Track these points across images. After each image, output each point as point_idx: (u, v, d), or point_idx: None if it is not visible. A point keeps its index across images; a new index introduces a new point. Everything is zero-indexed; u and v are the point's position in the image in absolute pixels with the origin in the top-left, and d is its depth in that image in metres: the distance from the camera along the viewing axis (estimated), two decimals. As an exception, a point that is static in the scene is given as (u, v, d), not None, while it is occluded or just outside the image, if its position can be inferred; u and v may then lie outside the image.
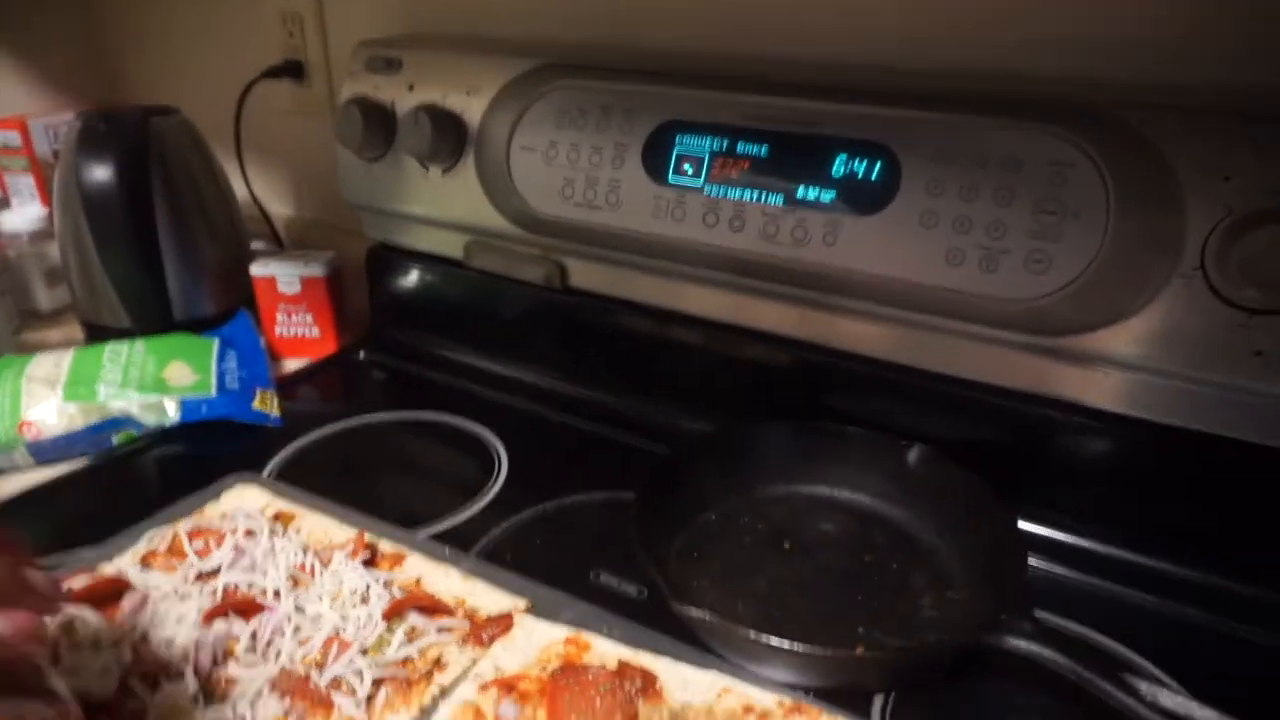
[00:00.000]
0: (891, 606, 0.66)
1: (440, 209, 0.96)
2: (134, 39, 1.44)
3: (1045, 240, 0.64)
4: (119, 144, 1.01)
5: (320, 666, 0.57)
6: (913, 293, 0.70)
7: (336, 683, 0.56)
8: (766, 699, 0.56)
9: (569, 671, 0.57)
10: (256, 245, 1.20)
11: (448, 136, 0.91)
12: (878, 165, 0.71)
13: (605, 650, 0.60)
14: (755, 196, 0.76)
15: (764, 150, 0.76)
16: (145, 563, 0.67)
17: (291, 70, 1.23)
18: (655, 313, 0.89)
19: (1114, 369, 0.67)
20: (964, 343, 0.72)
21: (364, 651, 0.58)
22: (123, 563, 0.67)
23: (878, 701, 0.59)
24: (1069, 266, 0.63)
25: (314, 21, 1.18)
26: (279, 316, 1.10)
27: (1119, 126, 0.63)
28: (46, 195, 1.28)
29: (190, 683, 0.55)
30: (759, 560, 0.71)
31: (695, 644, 0.60)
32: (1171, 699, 0.51)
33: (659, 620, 0.62)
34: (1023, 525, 0.71)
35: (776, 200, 0.75)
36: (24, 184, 1.29)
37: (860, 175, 0.72)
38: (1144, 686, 0.52)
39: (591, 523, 0.77)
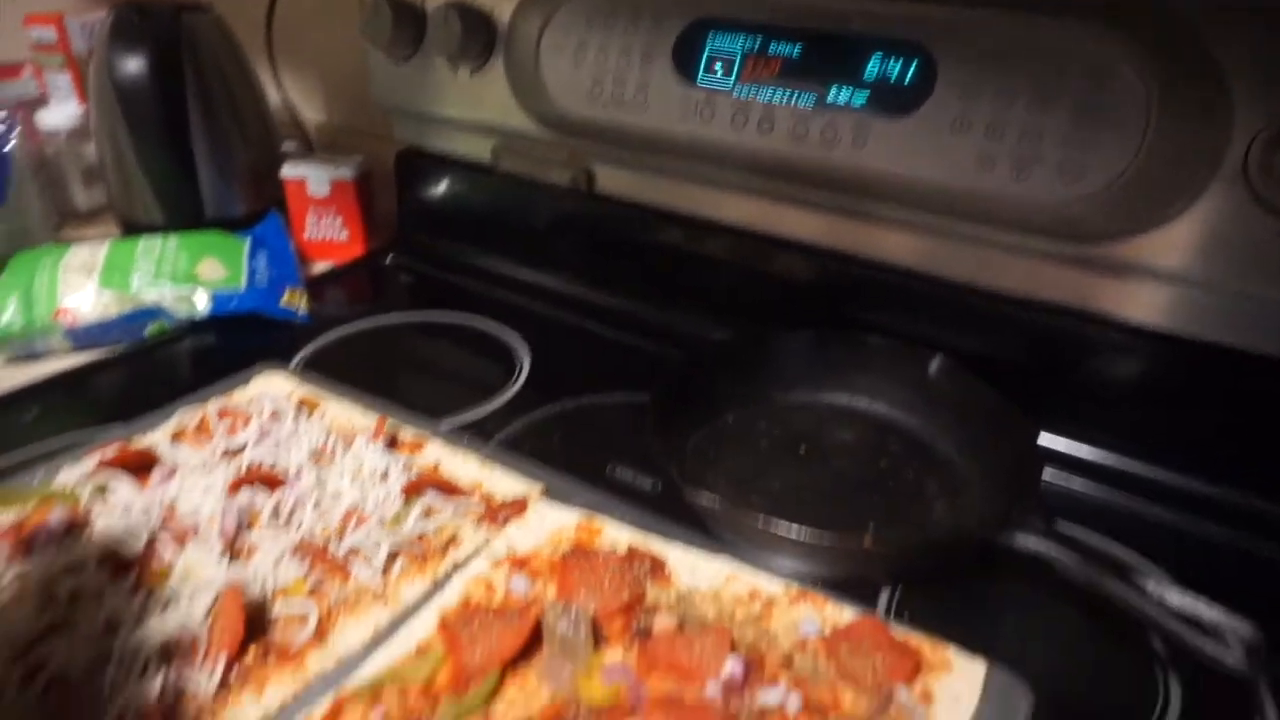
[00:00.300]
0: (904, 510, 0.66)
1: (469, 110, 0.96)
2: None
3: (1081, 144, 0.62)
4: (152, 37, 1.02)
5: (339, 537, 0.59)
6: (942, 197, 0.69)
7: (354, 552, 0.57)
8: (773, 586, 0.57)
9: (580, 552, 0.59)
10: (287, 147, 1.20)
11: (477, 35, 0.90)
12: (912, 66, 0.69)
13: (616, 535, 0.61)
14: (785, 98, 0.74)
15: (796, 50, 0.74)
16: (175, 439, 0.69)
17: (323, -30, 1.21)
18: (681, 219, 0.88)
19: (1148, 280, 0.66)
20: (993, 252, 0.71)
21: (381, 525, 0.59)
22: (153, 438, 0.69)
23: (884, 596, 0.59)
24: (1105, 170, 0.62)
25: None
26: (308, 220, 1.10)
27: (1166, 24, 0.60)
28: (84, 93, 1.28)
29: (215, 544, 0.56)
30: (773, 462, 0.71)
31: (706, 534, 0.61)
32: (1179, 597, 0.51)
33: (671, 512, 0.63)
34: (1045, 439, 0.71)
35: (807, 102, 0.73)
36: (62, 81, 1.30)
37: (894, 77, 0.70)
38: (1151, 584, 0.52)
39: (609, 422, 0.78)
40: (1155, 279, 0.65)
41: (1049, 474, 0.69)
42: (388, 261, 1.10)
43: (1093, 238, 0.65)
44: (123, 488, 0.62)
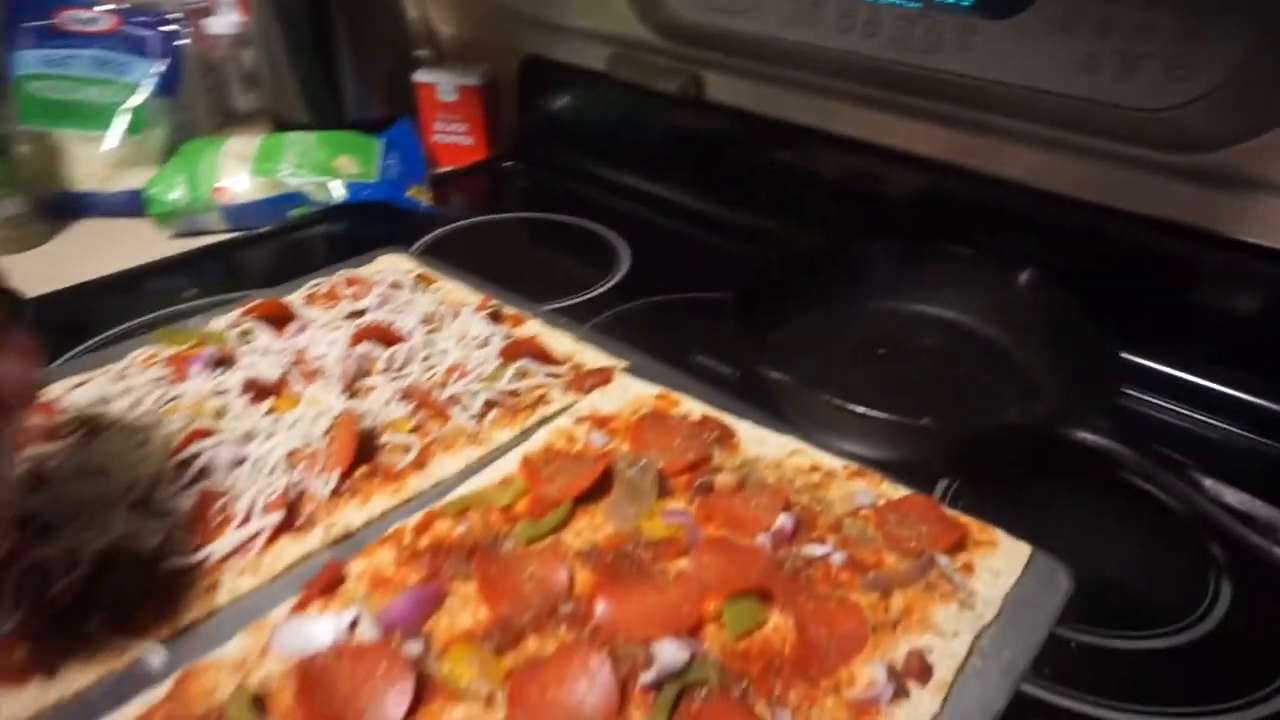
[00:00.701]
0: (975, 410, 0.67)
1: (588, 18, 1.00)
2: None
3: (1190, 42, 0.60)
4: (305, -51, 1.10)
5: (442, 387, 0.65)
6: (1045, 104, 0.69)
7: (454, 400, 0.64)
8: (833, 462, 0.60)
9: (655, 417, 0.64)
10: (421, 54, 1.28)
11: (601, -58, 0.93)
12: (1024, -34, 0.68)
13: (691, 407, 0.65)
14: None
15: (909, -48, 0.74)
16: (308, 301, 0.78)
17: (463, -114, 1.26)
18: (784, 127, 0.90)
19: (1256, 194, 0.64)
20: (1097, 163, 0.70)
21: (480, 381, 0.66)
22: (290, 298, 0.77)
23: (941, 485, 0.62)
24: (1214, 70, 0.60)
25: None
26: (436, 125, 1.18)
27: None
28: (246, 6, 1.39)
29: (336, 384, 0.64)
30: (851, 361, 0.73)
31: (776, 416, 0.65)
32: (1235, 496, 0.51)
33: (746, 397, 0.66)
34: (1129, 357, 0.70)
35: (914, 4, 0.73)
36: (226, -7, 1.41)
37: (1007, -23, 0.69)
38: (1209, 483, 0.52)
39: (698, 317, 0.82)
40: (1262, 190, 0.63)
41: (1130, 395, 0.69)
42: (506, 165, 1.16)
43: (1202, 144, 0.63)
44: (263, 335, 0.71)
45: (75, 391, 0.65)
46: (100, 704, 0.44)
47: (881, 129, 0.82)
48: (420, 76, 1.15)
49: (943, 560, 0.52)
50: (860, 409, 0.59)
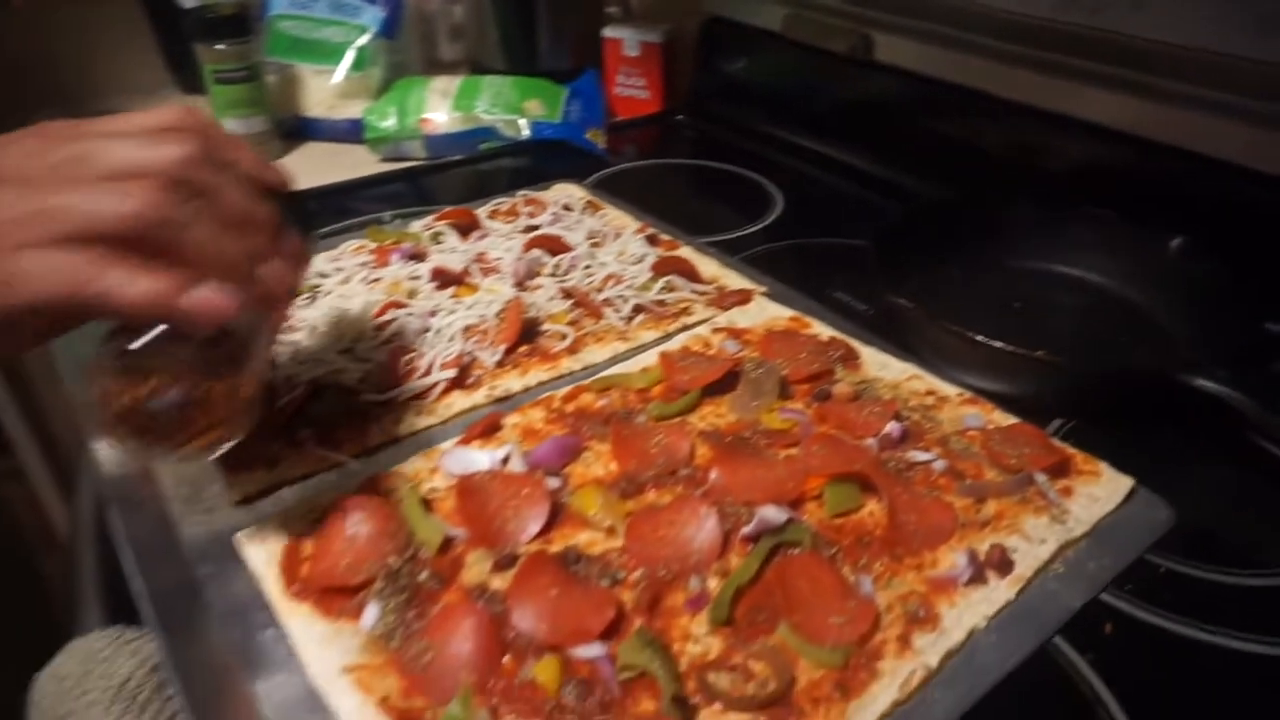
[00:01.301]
0: (1098, 354, 0.68)
1: (768, -21, 1.05)
2: None
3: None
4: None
5: (598, 291, 0.73)
6: (1217, 66, 0.68)
7: (607, 303, 0.72)
8: (949, 389, 0.64)
9: (786, 333, 0.69)
10: (611, 11, 1.37)
11: (786, -95, 0.98)
12: (1208, -71, 0.68)
13: (821, 330, 0.70)
14: (1068, -38, 0.76)
15: (1089, -86, 0.75)
16: (491, 215, 0.88)
17: None
18: (948, 87, 0.92)
19: None
20: (1261, 130, 0.69)
21: (631, 289, 0.74)
22: (477, 211, 0.88)
23: (1055, 424, 0.64)
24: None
25: None
26: (618, 77, 1.27)
27: None
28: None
29: (509, 279, 0.74)
30: (984, 311, 0.75)
31: (902, 348, 0.68)
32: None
33: (876, 331, 0.70)
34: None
35: (1087, -35, 0.74)
36: (443, -48, 1.56)
37: (1187, -59, 0.69)
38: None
39: (842, 260, 0.86)
40: None
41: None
42: (678, 119, 1.24)
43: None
44: (451, 237, 0.82)
45: (299, 268, 0.78)
46: (307, 491, 0.55)
47: (1044, 92, 0.83)
48: (608, 32, 1.24)
49: (1040, 478, 0.55)
50: (978, 337, 0.62)
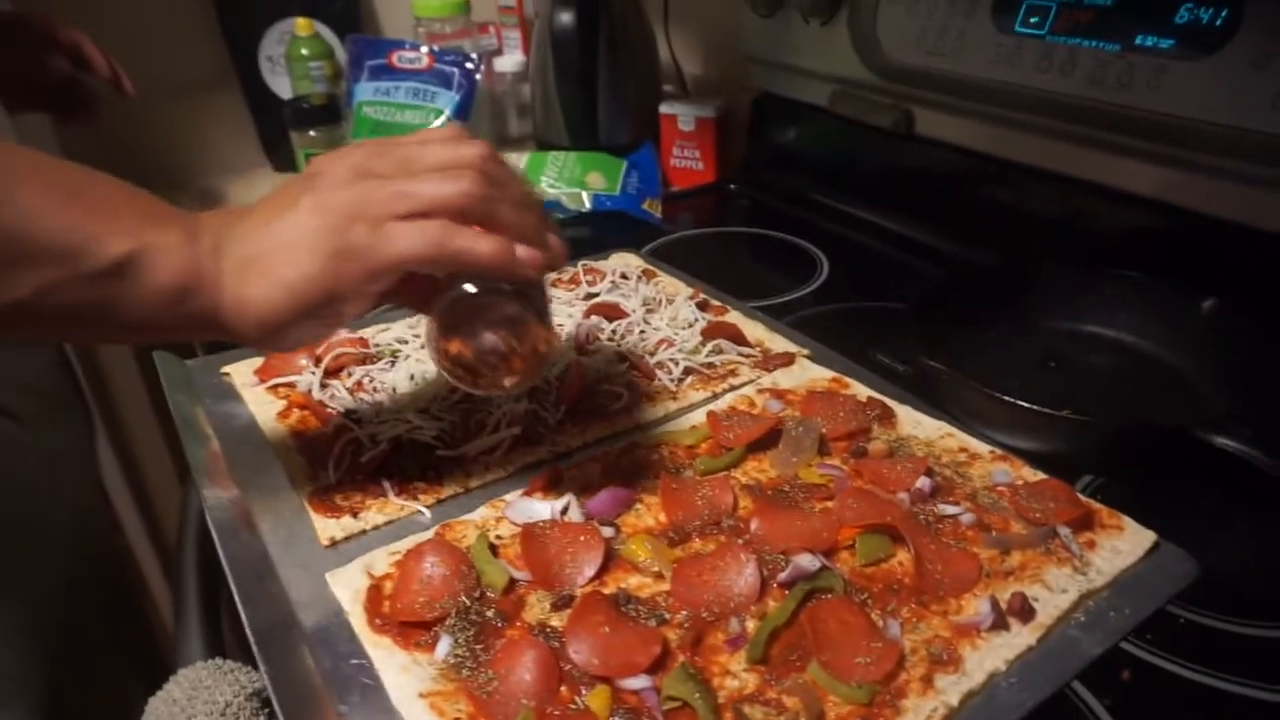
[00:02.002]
0: (1127, 411, 0.71)
1: (814, 60, 1.12)
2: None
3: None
4: (580, 1, 1.31)
5: (651, 354, 0.80)
6: (1235, 138, 0.72)
7: (659, 365, 0.78)
8: (980, 446, 0.68)
9: (826, 393, 0.74)
10: (667, 89, 1.46)
11: (829, -8, 1.06)
12: (1223, 12, 0.72)
13: (860, 390, 0.75)
14: (1092, 43, 0.81)
15: (1111, 0, 0.80)
16: (554, 284, 0.95)
17: (718, -55, 1.43)
18: (985, 158, 0.97)
19: None
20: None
21: (682, 352, 0.79)
22: (541, 280, 0.95)
23: (1083, 480, 0.67)
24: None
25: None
26: (674, 150, 1.35)
27: None
28: (527, 46, 1.64)
29: (571, 342, 0.80)
30: (1018, 368, 0.79)
31: (936, 407, 0.72)
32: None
33: (913, 390, 0.75)
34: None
35: (1112, 46, 0.79)
36: (512, 38, 1.68)
37: (1204, 21, 0.74)
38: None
39: (883, 323, 0.91)
40: None
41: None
42: (731, 188, 1.31)
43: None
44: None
45: (380, 333, 0.85)
46: (387, 536, 0.62)
47: (1077, 162, 0.87)
48: (665, 108, 1.33)
49: (1063, 531, 0.58)
50: (1006, 397, 0.66)
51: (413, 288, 0.59)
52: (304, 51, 1.41)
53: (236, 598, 0.57)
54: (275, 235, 0.52)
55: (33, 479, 0.86)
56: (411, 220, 0.52)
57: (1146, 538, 0.58)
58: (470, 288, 0.56)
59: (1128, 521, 0.60)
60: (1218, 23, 0.72)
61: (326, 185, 0.53)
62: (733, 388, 0.77)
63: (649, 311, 0.87)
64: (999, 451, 0.67)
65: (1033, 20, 0.85)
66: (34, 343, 0.94)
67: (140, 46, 0.93)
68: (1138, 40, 0.77)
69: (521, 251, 0.54)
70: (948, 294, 0.84)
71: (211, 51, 1.52)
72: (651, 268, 0.98)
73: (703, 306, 0.89)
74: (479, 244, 0.52)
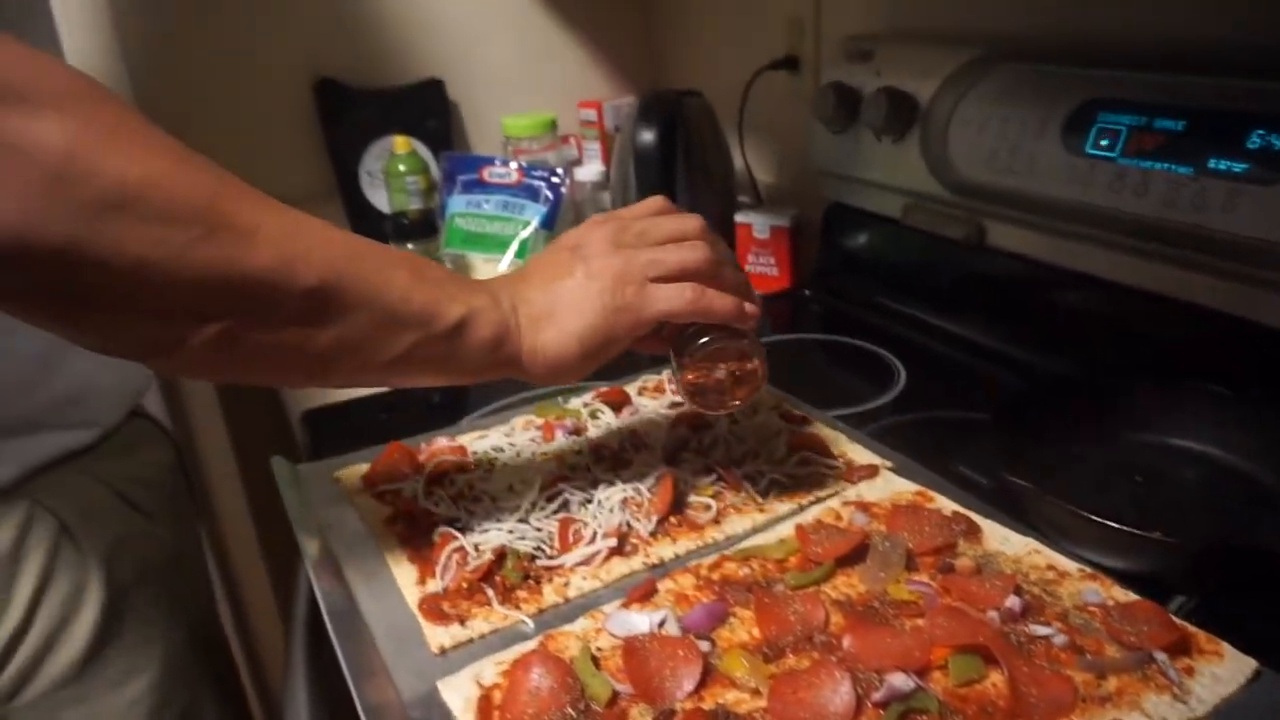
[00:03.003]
0: (1220, 530, 0.71)
1: (886, 175, 1.17)
2: (674, 38, 1.86)
3: None
4: (660, 117, 1.39)
5: (739, 465, 0.83)
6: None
7: (747, 477, 0.81)
8: (1069, 564, 0.68)
9: (911, 507, 0.76)
10: (742, 200, 1.52)
11: (901, 112, 1.11)
12: (1295, 140, 0.75)
13: (944, 504, 0.76)
14: (1165, 165, 0.83)
15: (1180, 125, 0.83)
16: (640, 392, 1.00)
17: (789, 64, 1.51)
18: (1058, 271, 0.99)
19: None
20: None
21: (769, 463, 0.82)
22: (628, 389, 1.00)
23: (1176, 601, 0.67)
24: None
25: (811, 24, 1.45)
26: (750, 257, 1.40)
27: None
28: (606, 157, 1.74)
29: (659, 454, 0.84)
30: (1105, 483, 0.80)
31: (1022, 523, 0.74)
32: None
33: (997, 504, 0.76)
34: None
35: (1185, 169, 0.82)
36: (592, 148, 1.78)
37: (1276, 147, 0.76)
38: None
39: (963, 433, 0.92)
40: None
41: None
42: (805, 294, 1.35)
43: None
44: (607, 413, 0.93)
45: (478, 441, 0.90)
46: (491, 647, 0.65)
47: (1147, 276, 0.89)
48: (740, 217, 1.39)
49: (1160, 656, 0.58)
50: (1095, 518, 0.67)
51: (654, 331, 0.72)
52: (401, 168, 1.52)
53: (355, 699, 0.60)
54: (559, 295, 0.66)
55: (164, 571, 0.93)
56: (667, 281, 0.67)
57: (1247, 665, 0.58)
58: (707, 332, 0.70)
59: (1226, 647, 0.60)
60: (1289, 149, 0.75)
61: (594, 254, 0.67)
62: (818, 500, 0.79)
63: (734, 422, 0.90)
64: (1088, 570, 0.68)
65: (1103, 143, 0.89)
66: (161, 441, 1.02)
67: (254, 161, 1.02)
68: (1210, 164, 0.80)
69: (749, 306, 0.70)
70: (1028, 406, 0.85)
71: (318, 167, 1.65)
72: (733, 376, 1.02)
73: (786, 416, 0.92)
74: (720, 301, 0.68)
